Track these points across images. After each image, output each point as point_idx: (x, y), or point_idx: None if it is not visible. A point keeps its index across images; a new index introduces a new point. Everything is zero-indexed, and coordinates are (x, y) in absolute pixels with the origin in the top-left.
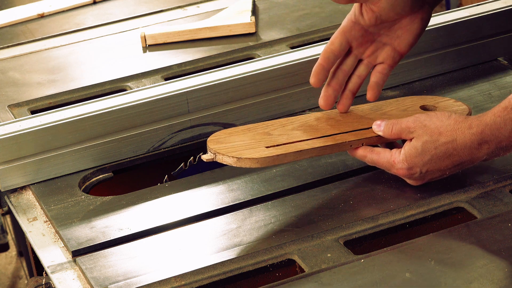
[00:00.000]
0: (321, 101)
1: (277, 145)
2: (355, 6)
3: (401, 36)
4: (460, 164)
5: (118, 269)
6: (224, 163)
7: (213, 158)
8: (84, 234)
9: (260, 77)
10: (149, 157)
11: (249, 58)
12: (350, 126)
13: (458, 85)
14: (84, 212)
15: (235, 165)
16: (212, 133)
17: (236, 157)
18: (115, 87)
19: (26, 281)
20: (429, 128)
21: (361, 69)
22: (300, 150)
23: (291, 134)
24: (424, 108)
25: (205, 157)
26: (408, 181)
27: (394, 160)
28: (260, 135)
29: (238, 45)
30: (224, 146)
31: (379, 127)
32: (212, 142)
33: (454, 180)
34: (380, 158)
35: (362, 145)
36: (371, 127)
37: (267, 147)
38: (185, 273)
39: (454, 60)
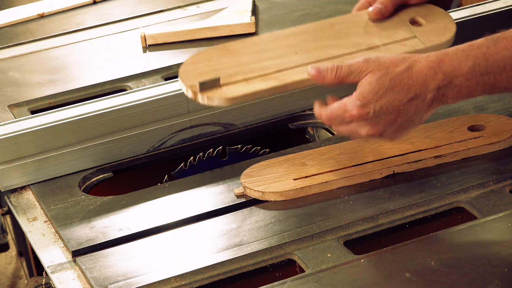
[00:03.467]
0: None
1: (305, 177)
2: None
3: None
4: (414, 98)
5: (118, 269)
6: (252, 196)
7: (243, 192)
8: (84, 234)
9: None
10: (149, 157)
11: None
12: (392, 152)
13: None
14: (84, 212)
15: (261, 199)
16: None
17: (261, 191)
18: (115, 87)
19: (26, 281)
20: (384, 63)
21: None
22: (326, 182)
23: (324, 164)
24: (472, 129)
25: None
26: (367, 128)
27: (345, 103)
28: (294, 167)
29: None
30: (253, 179)
31: (317, 72)
32: (244, 176)
33: (454, 180)
34: (333, 109)
35: (393, 172)
36: (412, 152)
37: (294, 179)
38: (185, 273)
39: None
